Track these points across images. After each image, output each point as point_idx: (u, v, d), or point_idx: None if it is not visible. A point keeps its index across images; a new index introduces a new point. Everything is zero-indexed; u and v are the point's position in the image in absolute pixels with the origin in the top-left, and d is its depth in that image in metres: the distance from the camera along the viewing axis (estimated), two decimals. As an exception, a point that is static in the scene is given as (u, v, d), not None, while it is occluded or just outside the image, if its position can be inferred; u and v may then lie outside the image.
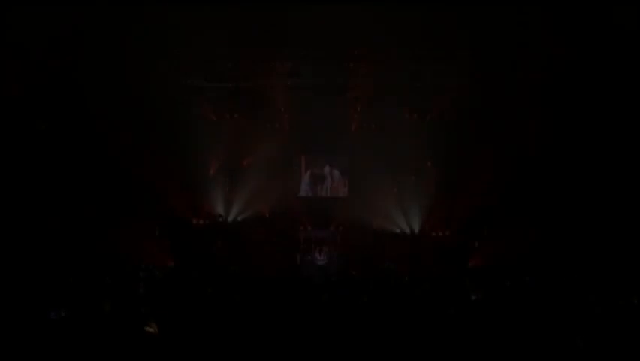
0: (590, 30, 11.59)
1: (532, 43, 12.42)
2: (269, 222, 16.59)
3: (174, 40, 13.65)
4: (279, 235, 16.19)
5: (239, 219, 16.49)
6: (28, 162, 12.14)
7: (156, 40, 12.78)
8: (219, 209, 16.35)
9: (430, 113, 15.76)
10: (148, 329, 4.52)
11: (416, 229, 16.29)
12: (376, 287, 7.06)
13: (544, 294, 6.71)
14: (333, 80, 15.07)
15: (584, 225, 12.36)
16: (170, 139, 14.21)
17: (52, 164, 12.80)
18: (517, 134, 12.82)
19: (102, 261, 10.65)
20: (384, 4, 12.54)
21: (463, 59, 14.49)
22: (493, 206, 13.92)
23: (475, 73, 14.28)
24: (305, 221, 16.49)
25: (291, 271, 13.20)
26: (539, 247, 12.25)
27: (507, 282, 8.51)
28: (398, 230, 16.40)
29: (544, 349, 4.23)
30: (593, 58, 11.83)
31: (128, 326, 4.48)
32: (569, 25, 11.80)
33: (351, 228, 16.22)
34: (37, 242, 11.52)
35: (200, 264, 13.40)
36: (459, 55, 14.47)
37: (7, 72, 10.60)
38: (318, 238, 16.21)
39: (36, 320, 4.55)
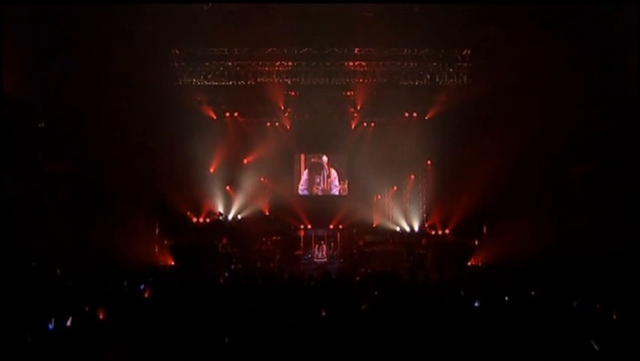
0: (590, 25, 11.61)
1: (532, 41, 12.41)
2: (269, 220, 16.61)
3: (174, 38, 13.70)
4: (279, 233, 16.20)
5: (239, 217, 16.52)
6: (27, 161, 12.13)
7: (156, 39, 12.79)
8: (219, 207, 16.38)
9: (430, 112, 15.77)
10: None
11: (416, 228, 16.35)
12: (379, 291, 7.07)
13: (546, 297, 6.73)
14: (333, 78, 15.08)
15: (584, 224, 12.36)
16: (170, 138, 14.20)
17: (51, 163, 12.80)
18: (518, 134, 12.82)
19: (102, 261, 10.63)
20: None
21: (463, 58, 14.57)
22: (493, 205, 13.93)
23: (475, 73, 14.34)
24: (305, 219, 16.51)
25: (291, 270, 13.20)
26: (539, 246, 12.24)
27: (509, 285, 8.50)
28: (398, 229, 16.44)
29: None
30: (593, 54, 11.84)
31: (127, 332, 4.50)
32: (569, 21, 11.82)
33: (351, 226, 16.26)
34: (36, 241, 11.52)
35: (201, 263, 13.43)
36: (459, 54, 14.55)
37: (9, 71, 10.56)
38: (318, 236, 16.24)
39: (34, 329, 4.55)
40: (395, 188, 16.91)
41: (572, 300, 6.29)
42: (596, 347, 4.05)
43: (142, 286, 7.81)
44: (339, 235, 16.25)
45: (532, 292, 6.62)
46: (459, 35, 13.64)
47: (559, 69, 12.28)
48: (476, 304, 6.01)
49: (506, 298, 6.59)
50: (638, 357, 4.50)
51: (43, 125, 12.70)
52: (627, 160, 11.94)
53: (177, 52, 14.58)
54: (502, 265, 12.09)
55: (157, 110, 13.73)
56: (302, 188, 17.27)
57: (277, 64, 14.90)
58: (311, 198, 17.15)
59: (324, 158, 17.24)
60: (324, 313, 5.11)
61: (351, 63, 14.89)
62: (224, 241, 15.18)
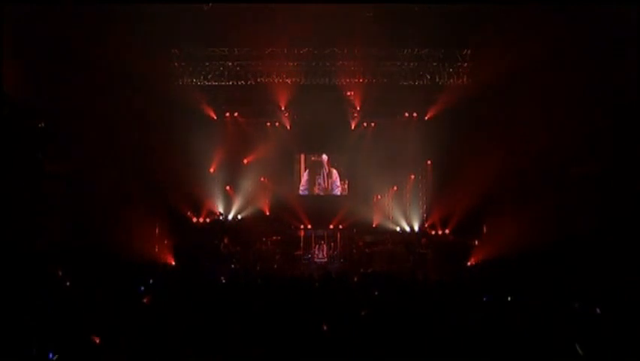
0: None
1: (532, 41, 12.42)
2: (269, 220, 16.61)
3: (174, 38, 13.71)
4: (279, 233, 16.20)
5: (239, 217, 16.54)
6: (27, 161, 12.13)
7: (156, 39, 12.79)
8: (219, 207, 16.40)
9: (430, 112, 15.79)
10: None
11: (416, 228, 16.36)
12: (379, 291, 7.08)
13: (544, 297, 6.73)
14: (333, 78, 15.10)
15: (584, 224, 12.38)
16: (170, 138, 14.20)
17: (51, 163, 12.80)
18: (517, 134, 12.83)
19: (102, 261, 10.62)
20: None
21: (463, 58, 14.58)
22: (493, 205, 13.93)
23: (475, 73, 14.34)
24: (305, 219, 16.51)
25: (292, 270, 13.22)
26: (539, 245, 12.25)
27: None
28: (398, 229, 16.46)
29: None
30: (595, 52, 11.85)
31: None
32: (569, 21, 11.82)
33: (351, 226, 16.26)
34: (34, 243, 11.52)
35: (202, 263, 13.44)
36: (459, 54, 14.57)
37: (9, 71, 10.57)
38: (318, 236, 16.23)
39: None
40: (395, 188, 16.92)
41: (571, 300, 6.30)
42: (580, 352, 4.06)
43: (142, 288, 7.81)
44: (339, 235, 16.23)
45: (509, 297, 6.62)
46: (459, 35, 13.64)
47: (559, 69, 12.30)
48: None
49: (509, 298, 6.60)
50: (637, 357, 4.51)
51: (43, 125, 12.70)
52: (627, 160, 11.95)
53: (177, 52, 14.58)
54: (500, 264, 12.10)
55: (157, 110, 13.73)
56: (302, 188, 17.29)
57: (277, 64, 14.90)
58: (311, 198, 17.16)
59: (324, 156, 17.26)
60: (325, 314, 5.12)
61: (351, 63, 14.89)
62: (225, 241, 15.21)
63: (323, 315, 5.14)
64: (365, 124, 16.68)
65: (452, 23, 12.95)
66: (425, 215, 16.55)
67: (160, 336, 4.81)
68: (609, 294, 6.66)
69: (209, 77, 14.99)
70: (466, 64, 14.75)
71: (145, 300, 6.47)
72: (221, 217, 16.31)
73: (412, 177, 16.91)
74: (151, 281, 8.53)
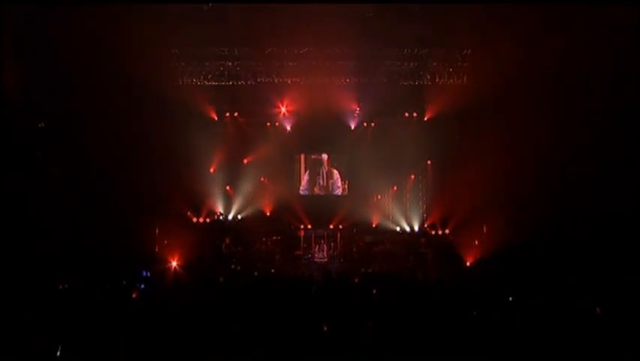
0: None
1: (532, 41, 12.43)
2: (269, 220, 16.62)
3: (174, 38, 13.72)
4: (279, 233, 16.20)
5: (239, 217, 16.55)
6: (27, 161, 12.14)
7: (156, 39, 12.79)
8: (219, 207, 16.40)
9: (430, 112, 15.80)
10: None
11: (416, 228, 16.37)
12: (379, 291, 7.08)
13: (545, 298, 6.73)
14: (333, 78, 15.10)
15: (583, 224, 12.39)
16: (170, 138, 14.20)
17: (51, 163, 12.80)
18: (517, 134, 12.83)
19: (102, 261, 10.62)
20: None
21: (463, 58, 14.58)
22: (493, 205, 13.92)
23: (475, 73, 14.35)
24: (305, 219, 16.51)
25: (291, 269, 13.23)
26: (538, 245, 12.27)
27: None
28: (398, 229, 16.46)
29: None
30: (594, 54, 11.86)
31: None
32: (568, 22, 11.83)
33: (351, 226, 16.26)
34: (34, 243, 11.51)
35: (204, 263, 13.46)
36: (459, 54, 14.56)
37: (9, 71, 10.58)
38: (318, 236, 16.23)
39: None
40: (395, 188, 16.92)
41: (571, 300, 6.30)
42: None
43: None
44: (339, 235, 16.22)
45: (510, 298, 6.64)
46: (459, 35, 13.65)
47: (559, 69, 12.31)
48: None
49: (510, 298, 6.61)
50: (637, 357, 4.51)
51: (43, 125, 12.71)
52: (627, 160, 11.96)
53: (177, 52, 14.58)
54: (500, 264, 12.11)
55: (157, 110, 13.72)
56: (303, 189, 17.29)
57: (277, 64, 14.91)
58: (311, 198, 17.15)
59: (324, 155, 17.26)
60: (325, 314, 5.13)
61: (351, 63, 14.89)
62: (227, 241, 15.22)
63: (323, 315, 5.16)
64: (365, 124, 16.69)
65: (452, 23, 12.95)
66: (425, 215, 16.55)
67: (160, 336, 4.81)
68: (609, 294, 6.66)
69: (209, 77, 14.99)
70: (466, 64, 14.75)
71: (134, 295, 6.48)
72: (221, 217, 16.31)
73: (412, 177, 16.91)
74: (146, 274, 8.54)
